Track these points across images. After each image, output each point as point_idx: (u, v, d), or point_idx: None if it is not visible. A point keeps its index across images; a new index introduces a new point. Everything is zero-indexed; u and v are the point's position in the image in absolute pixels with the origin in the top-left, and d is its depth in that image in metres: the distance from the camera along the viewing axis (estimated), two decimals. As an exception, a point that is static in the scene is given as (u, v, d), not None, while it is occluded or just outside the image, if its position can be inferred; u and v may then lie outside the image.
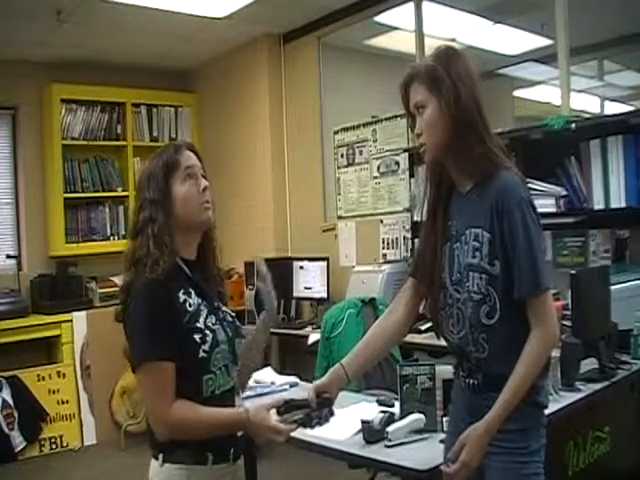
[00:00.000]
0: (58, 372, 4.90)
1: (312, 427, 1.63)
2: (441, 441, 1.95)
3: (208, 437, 1.55)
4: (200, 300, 1.61)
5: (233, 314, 1.75)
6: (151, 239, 1.57)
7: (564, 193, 3.23)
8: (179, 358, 1.52)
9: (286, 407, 1.59)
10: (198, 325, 1.57)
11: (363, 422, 2.09)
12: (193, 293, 1.60)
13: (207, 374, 1.57)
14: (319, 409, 1.63)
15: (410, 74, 1.66)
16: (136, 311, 1.53)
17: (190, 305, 1.57)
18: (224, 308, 1.72)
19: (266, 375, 2.92)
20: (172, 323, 1.52)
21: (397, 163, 4.39)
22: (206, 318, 1.60)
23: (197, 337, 1.55)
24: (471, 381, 1.66)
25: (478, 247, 1.59)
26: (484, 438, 1.53)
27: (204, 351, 1.55)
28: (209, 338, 1.57)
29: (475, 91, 1.61)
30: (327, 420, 1.65)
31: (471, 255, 1.61)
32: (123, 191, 5.54)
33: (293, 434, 1.67)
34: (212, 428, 1.55)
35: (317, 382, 1.72)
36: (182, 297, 1.57)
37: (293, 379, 2.91)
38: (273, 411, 1.59)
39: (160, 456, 1.56)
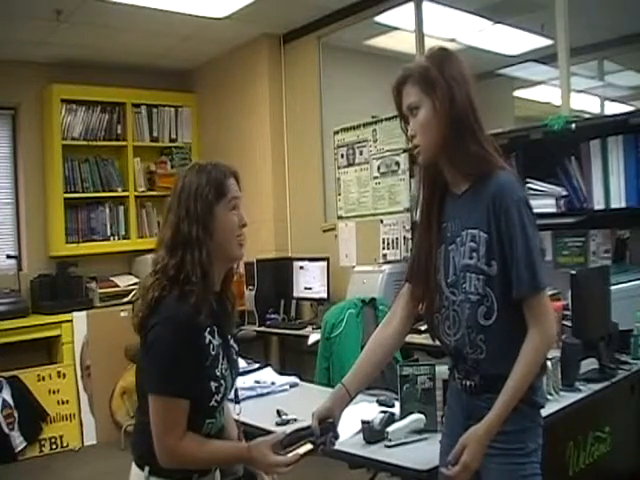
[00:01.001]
0: (58, 372, 4.90)
1: (319, 454, 1.63)
2: (441, 441, 1.96)
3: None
4: (220, 340, 1.60)
5: (237, 348, 1.73)
6: (198, 266, 1.52)
7: (564, 193, 3.23)
8: (192, 399, 1.52)
9: (289, 439, 1.59)
10: (217, 373, 1.57)
11: (363, 422, 2.09)
12: (216, 332, 1.59)
13: (210, 419, 1.59)
14: (323, 435, 1.63)
15: (403, 75, 1.65)
16: (163, 342, 1.49)
17: (213, 348, 1.56)
18: (231, 342, 1.69)
19: (266, 375, 2.92)
20: (195, 364, 1.52)
21: (397, 163, 4.39)
22: (222, 363, 1.59)
23: (213, 386, 1.56)
24: (468, 383, 1.66)
25: (475, 248, 1.59)
26: (484, 439, 1.53)
27: (216, 400, 1.57)
28: (222, 389, 1.58)
29: (469, 91, 1.61)
30: (332, 444, 1.66)
31: (468, 256, 1.60)
32: (123, 191, 5.54)
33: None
34: (214, 462, 1.59)
35: (318, 409, 1.70)
36: (207, 337, 1.56)
37: (293, 379, 2.91)
38: (274, 446, 1.58)
39: (146, 468, 1.57)
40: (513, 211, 1.53)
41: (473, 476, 1.57)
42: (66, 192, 5.25)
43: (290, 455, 1.56)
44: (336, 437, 1.67)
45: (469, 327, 1.61)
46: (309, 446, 1.59)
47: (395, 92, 1.67)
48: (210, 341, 1.56)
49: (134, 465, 1.61)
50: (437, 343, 1.77)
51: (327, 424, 1.66)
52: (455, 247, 1.64)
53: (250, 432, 1.91)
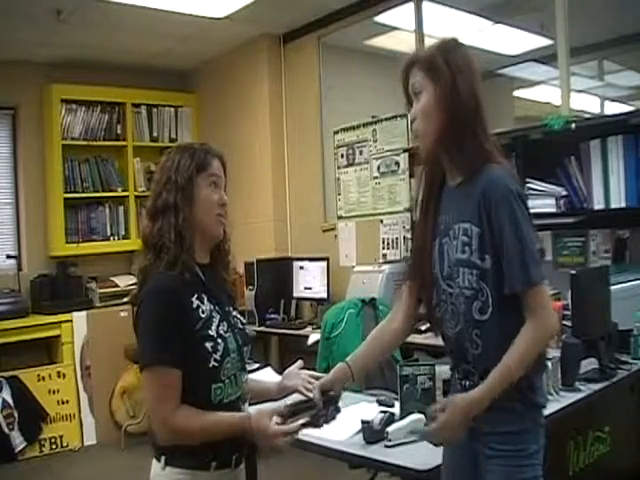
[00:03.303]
0: (58, 372, 4.90)
1: (320, 426, 1.62)
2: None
3: (209, 441, 1.54)
4: (212, 306, 1.60)
5: (243, 320, 1.74)
6: (173, 230, 1.56)
7: (564, 193, 3.22)
8: (189, 366, 1.51)
9: (291, 411, 1.57)
10: (210, 333, 1.56)
11: (363, 422, 2.09)
12: (206, 298, 1.59)
13: (216, 383, 1.56)
14: (325, 407, 1.62)
15: (411, 59, 1.66)
16: (148, 314, 1.53)
17: (203, 312, 1.56)
18: (235, 313, 1.71)
19: (266, 375, 2.92)
20: (183, 330, 1.51)
21: (397, 163, 4.39)
22: (218, 325, 1.59)
23: (209, 345, 1.54)
24: (467, 383, 1.65)
25: (467, 242, 1.57)
26: (463, 410, 1.49)
27: (215, 360, 1.55)
28: (220, 347, 1.56)
29: (474, 84, 1.60)
30: (334, 417, 1.65)
31: (460, 250, 1.58)
32: (123, 191, 5.54)
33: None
34: (214, 434, 1.54)
35: (322, 380, 1.71)
36: (195, 303, 1.56)
37: (293, 379, 2.90)
38: (275, 417, 1.56)
39: (162, 458, 1.56)
40: (503, 205, 1.51)
41: (474, 477, 1.57)
42: (66, 192, 5.25)
43: (291, 426, 1.54)
44: (337, 410, 1.66)
45: (466, 321, 1.59)
46: (311, 418, 1.59)
47: (403, 74, 1.68)
48: (198, 305, 1.56)
49: (153, 460, 1.59)
50: (437, 343, 1.77)
51: (329, 397, 1.66)
52: (448, 240, 1.62)
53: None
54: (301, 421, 1.56)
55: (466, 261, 1.57)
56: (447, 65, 1.58)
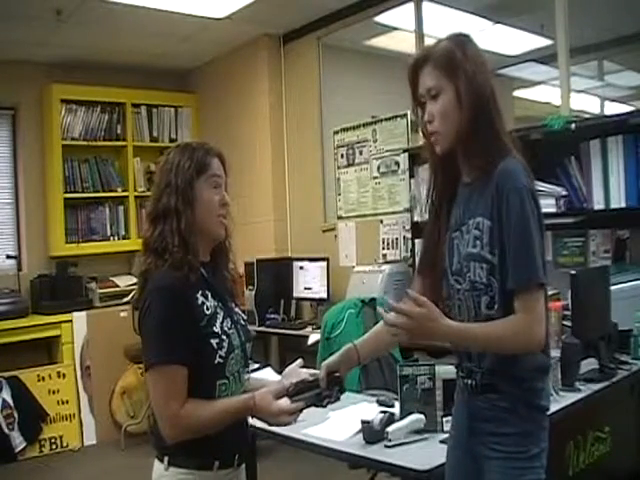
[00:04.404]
0: (58, 372, 4.90)
1: (324, 406, 1.63)
2: (441, 441, 1.96)
3: (218, 429, 1.53)
4: (216, 302, 1.61)
5: (245, 317, 1.75)
6: (176, 235, 1.55)
7: (564, 193, 3.23)
8: (195, 362, 1.51)
9: (295, 389, 1.59)
10: (215, 330, 1.56)
11: (363, 422, 2.09)
12: (210, 295, 1.60)
13: (221, 379, 1.57)
14: (329, 388, 1.63)
15: (424, 56, 1.58)
16: (153, 313, 1.52)
17: (207, 308, 1.57)
18: (237, 310, 1.71)
19: (266, 375, 2.91)
20: (189, 328, 1.51)
21: (397, 163, 4.39)
22: (222, 322, 1.59)
23: (214, 342, 1.54)
24: (469, 382, 1.64)
25: (478, 236, 1.54)
26: (436, 323, 1.46)
27: (220, 357, 1.55)
28: (225, 343, 1.56)
29: (489, 78, 1.56)
30: (337, 399, 1.65)
31: (472, 244, 1.55)
32: (123, 191, 5.54)
33: (293, 434, 1.66)
34: (221, 419, 1.53)
35: (328, 361, 1.70)
36: (200, 299, 1.56)
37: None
38: (279, 395, 1.57)
39: (165, 459, 1.55)
40: (514, 198, 1.48)
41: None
42: (66, 192, 5.25)
43: (295, 404, 1.55)
44: (342, 391, 1.67)
45: (475, 317, 1.57)
46: (314, 396, 1.59)
47: (411, 74, 1.60)
48: (203, 302, 1.56)
49: (156, 460, 1.59)
50: (437, 342, 1.75)
51: (334, 377, 1.67)
52: (460, 235, 1.60)
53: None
54: (305, 401, 1.57)
55: (477, 255, 1.54)
56: (466, 60, 1.53)
